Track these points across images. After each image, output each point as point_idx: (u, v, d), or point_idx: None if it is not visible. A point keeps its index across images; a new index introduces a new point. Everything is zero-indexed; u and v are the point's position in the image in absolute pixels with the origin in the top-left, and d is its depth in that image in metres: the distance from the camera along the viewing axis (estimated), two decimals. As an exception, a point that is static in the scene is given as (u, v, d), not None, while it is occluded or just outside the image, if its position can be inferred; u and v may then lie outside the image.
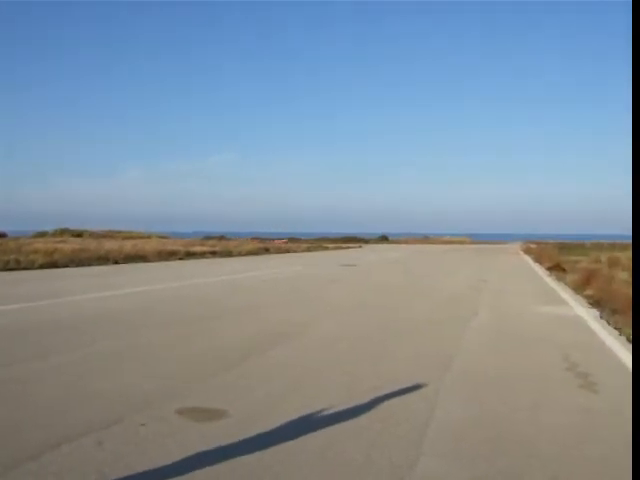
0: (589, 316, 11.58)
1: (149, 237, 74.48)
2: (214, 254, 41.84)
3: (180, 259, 36.08)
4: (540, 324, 10.56)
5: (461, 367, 7.03)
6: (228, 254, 43.17)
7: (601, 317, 11.43)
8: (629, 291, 13.99)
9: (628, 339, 8.89)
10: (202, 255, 39.88)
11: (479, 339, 8.97)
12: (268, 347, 8.06)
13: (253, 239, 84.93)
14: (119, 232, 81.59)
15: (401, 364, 7.10)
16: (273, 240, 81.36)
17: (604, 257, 33.38)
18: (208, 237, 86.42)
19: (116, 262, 29.72)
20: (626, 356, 7.68)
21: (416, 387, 6.05)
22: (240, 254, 44.53)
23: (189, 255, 38.67)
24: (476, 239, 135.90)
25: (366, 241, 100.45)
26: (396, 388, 5.93)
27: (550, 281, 20.67)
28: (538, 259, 36.47)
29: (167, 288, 16.28)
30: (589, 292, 15.13)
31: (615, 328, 10.03)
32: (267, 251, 51.67)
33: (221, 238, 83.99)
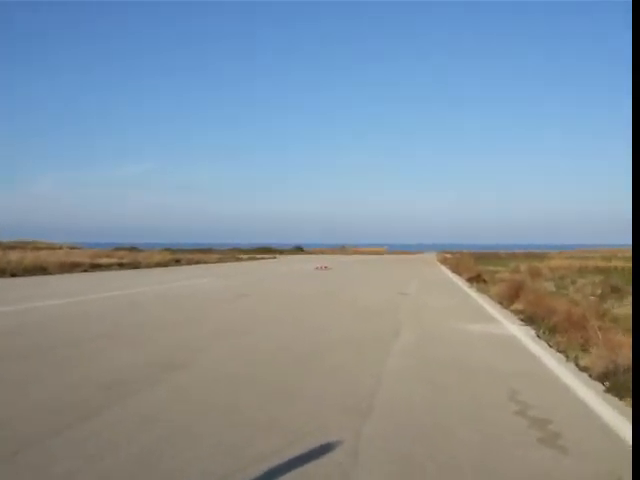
0: (525, 336, 10.23)
1: (60, 248, 71.89)
2: (121, 266, 39.61)
3: (84, 271, 33.74)
4: (472, 347, 9.12)
5: (383, 411, 5.41)
6: (136, 266, 40.91)
7: (538, 336, 10.10)
8: (563, 305, 12.86)
9: (578, 366, 7.54)
10: (108, 267, 37.59)
11: (403, 368, 7.38)
12: (131, 391, 6.24)
13: (165, 250, 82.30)
14: (29, 242, 78.08)
15: (310, 407, 5.44)
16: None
17: (523, 267, 32.86)
18: (119, 248, 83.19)
19: (13, 275, 27.22)
20: (585, 392, 6.25)
21: (328, 447, 4.42)
22: (149, 266, 42.31)
23: (94, 267, 36.28)
24: (392, 249, 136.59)
25: (281, 252, 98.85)
26: (299, 452, 4.28)
27: (473, 293, 19.46)
28: (456, 269, 35.67)
29: (45, 306, 14.16)
30: (518, 306, 13.91)
31: (559, 351, 8.67)
32: (178, 262, 49.57)
33: (132, 249, 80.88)
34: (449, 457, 4.29)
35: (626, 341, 8.24)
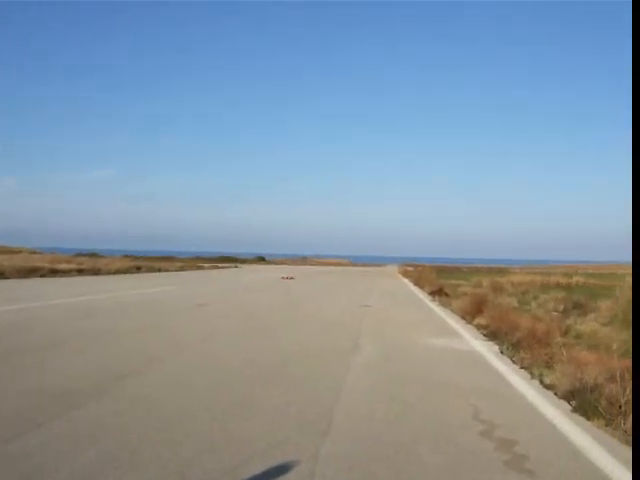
0: (488, 351, 10.02)
1: (19, 252, 70.57)
2: (81, 272, 39.02)
3: (42, 276, 33.29)
4: (434, 362, 8.87)
5: (343, 429, 5.11)
6: (96, 272, 40.27)
7: (502, 352, 9.89)
8: (526, 321, 12.71)
9: (543, 384, 7.33)
10: (67, 273, 36.93)
11: (363, 383, 7.10)
12: (76, 404, 5.86)
13: (127, 257, 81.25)
14: None
15: (266, 424, 5.12)
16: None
17: (485, 282, 32.86)
18: (79, 254, 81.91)
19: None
20: (550, 411, 6.02)
21: (283, 468, 4.11)
22: (109, 272, 41.67)
23: (53, 272, 35.77)
24: (354, 261, 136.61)
25: (243, 261, 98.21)
26: (252, 472, 3.96)
27: (435, 307, 19.28)
28: (418, 282, 35.58)
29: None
30: (481, 321, 13.72)
31: (522, 368, 8.46)
32: (139, 269, 48.89)
33: (93, 255, 79.79)
34: (411, 482, 4.01)
35: (591, 358, 8.10)
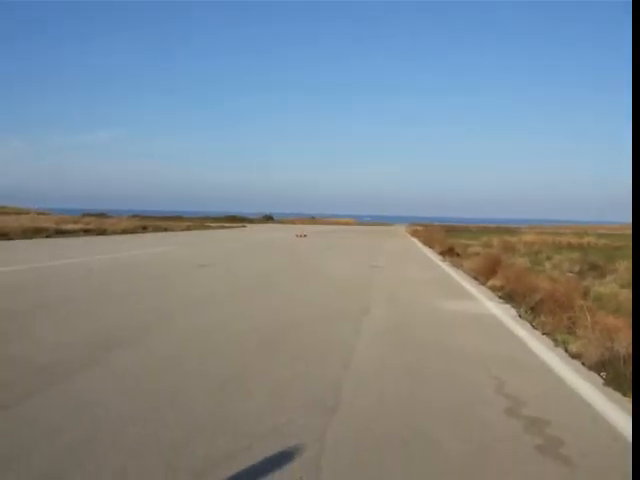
0: (505, 315, 9.45)
1: (27, 213, 70.37)
2: (87, 232, 38.64)
3: (47, 237, 32.73)
4: (449, 327, 8.30)
5: (352, 410, 4.55)
6: (102, 232, 39.84)
7: (520, 316, 9.33)
8: (543, 282, 12.12)
9: (568, 352, 6.76)
10: (73, 233, 36.54)
11: (374, 352, 6.54)
12: (62, 375, 5.32)
13: (134, 217, 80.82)
14: None
15: (266, 403, 4.57)
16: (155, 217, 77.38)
17: (495, 241, 32.26)
18: (87, 214, 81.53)
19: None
20: (581, 385, 5.45)
21: (285, 456, 3.58)
22: (115, 232, 41.25)
23: (59, 233, 35.35)
24: (362, 221, 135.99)
25: (250, 221, 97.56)
26: (251, 459, 3.42)
27: (446, 268, 18.65)
28: (428, 242, 34.93)
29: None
30: (495, 282, 13.12)
31: (544, 333, 7.89)
32: (145, 229, 48.44)
33: (101, 215, 79.40)
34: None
35: (618, 323, 7.49)
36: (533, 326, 8.47)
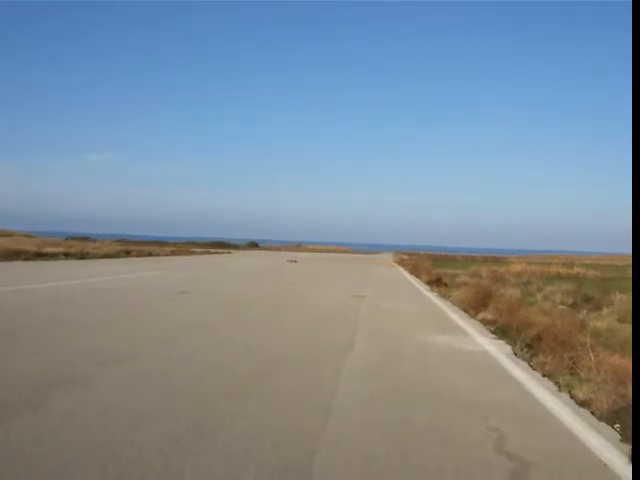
0: (500, 353, 8.73)
1: (11, 235, 69.45)
2: (67, 255, 37.82)
3: (26, 259, 31.93)
4: (440, 366, 7.57)
5: (330, 473, 3.82)
6: (82, 256, 38.93)
7: (516, 354, 8.62)
8: (538, 316, 11.44)
9: (574, 399, 6.04)
10: (53, 256, 35.72)
11: (357, 397, 5.79)
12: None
13: (119, 241, 79.95)
14: None
15: (228, 458, 3.80)
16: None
17: (483, 271, 31.68)
18: (71, 237, 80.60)
19: None
20: (596, 442, 4.70)
21: None
22: (96, 256, 40.38)
23: (38, 256, 34.57)
24: (348, 248, 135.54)
25: (235, 247, 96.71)
26: None
27: (434, 299, 17.96)
28: (414, 271, 34.31)
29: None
30: (486, 315, 12.42)
31: (544, 375, 7.18)
32: (128, 254, 47.62)
33: (85, 239, 78.53)
34: None
35: (626, 364, 6.79)
36: (531, 366, 7.76)
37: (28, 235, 74.55)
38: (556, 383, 6.73)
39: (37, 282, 17.40)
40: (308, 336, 9.51)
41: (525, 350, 8.70)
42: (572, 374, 7.01)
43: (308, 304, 14.51)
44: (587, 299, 16.98)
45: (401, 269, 41.73)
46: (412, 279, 28.91)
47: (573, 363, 7.40)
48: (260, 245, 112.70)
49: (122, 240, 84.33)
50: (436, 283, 23.33)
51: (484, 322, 11.91)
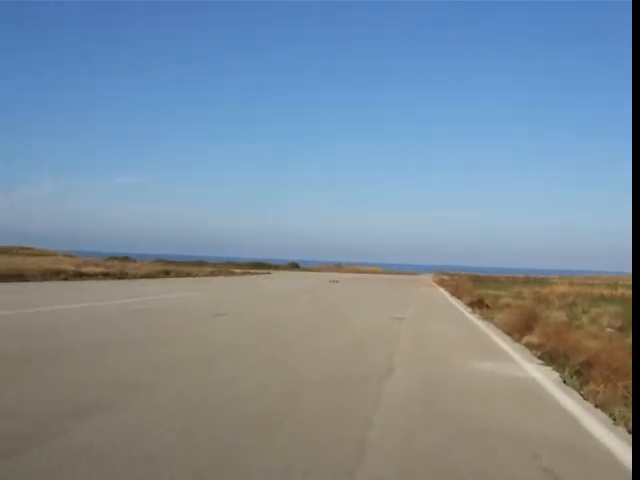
0: (548, 380, 8.24)
1: (54, 255, 70.61)
2: (106, 275, 37.93)
3: (65, 279, 32.17)
4: (484, 395, 7.12)
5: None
6: (122, 276, 39.06)
7: (565, 382, 8.12)
8: (586, 341, 10.91)
9: (632, 433, 5.55)
10: (93, 276, 35.96)
11: (395, 432, 5.39)
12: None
13: (158, 261, 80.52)
14: (25, 248, 77.42)
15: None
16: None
17: (526, 292, 30.94)
18: (112, 257, 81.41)
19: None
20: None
21: None
22: (135, 276, 40.54)
23: (78, 275, 34.76)
24: (387, 269, 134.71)
25: (275, 267, 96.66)
26: None
27: (476, 321, 17.44)
28: (455, 292, 33.71)
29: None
30: (532, 339, 11.89)
31: (597, 406, 6.70)
32: (167, 274, 47.68)
33: (124, 259, 79.32)
34: None
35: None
36: (582, 395, 7.26)
37: (70, 255, 75.70)
38: (610, 415, 6.24)
39: (72, 302, 17.31)
40: (350, 358, 9.14)
41: (574, 377, 8.20)
42: (627, 405, 6.51)
43: (349, 325, 14.13)
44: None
45: (442, 290, 41.12)
46: (453, 300, 28.36)
47: (629, 392, 6.91)
48: (300, 266, 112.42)
49: (162, 260, 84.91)
50: (478, 305, 22.76)
51: (529, 346, 11.38)
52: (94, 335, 10.74)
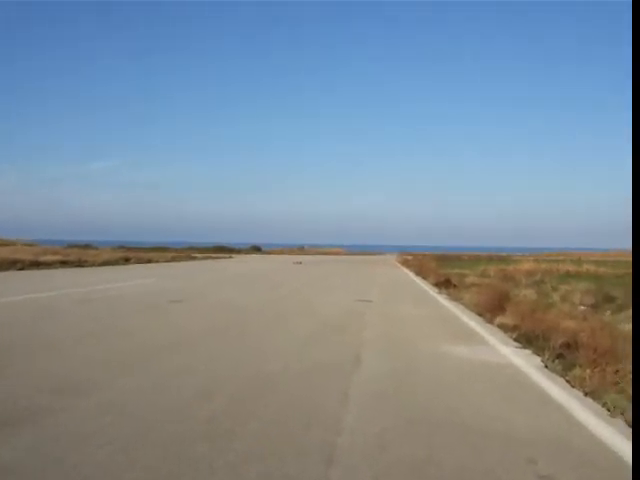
0: (528, 366, 7.60)
1: (13, 244, 68.55)
2: (64, 264, 36.93)
3: (21, 269, 31.18)
4: (462, 385, 6.47)
5: None
6: (80, 264, 38.00)
7: (547, 367, 7.51)
8: (562, 320, 10.35)
9: (629, 423, 4.93)
10: (50, 265, 34.93)
11: (366, 433, 4.69)
12: None
13: (119, 248, 78.89)
14: None
15: None
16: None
17: (492, 271, 30.57)
18: (72, 245, 79.52)
19: None
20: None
21: None
22: (94, 264, 39.41)
23: (34, 265, 33.76)
24: (350, 250, 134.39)
25: (238, 251, 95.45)
26: None
27: (445, 302, 16.81)
28: (420, 272, 33.12)
29: None
30: (505, 320, 11.29)
31: (586, 394, 6.07)
32: (127, 261, 46.55)
33: (86, 247, 77.47)
34: None
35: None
36: (568, 382, 6.65)
37: (30, 244, 73.57)
38: (604, 405, 5.61)
39: (21, 293, 16.30)
40: (314, 347, 8.42)
41: (557, 362, 7.60)
42: (619, 392, 5.91)
43: (309, 311, 13.42)
44: (608, 299, 15.84)
45: (406, 270, 40.61)
46: (419, 280, 27.78)
47: (619, 377, 6.32)
48: (263, 249, 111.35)
49: (123, 247, 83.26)
50: (445, 284, 22.22)
51: (503, 328, 10.78)
52: (30, 331, 9.85)
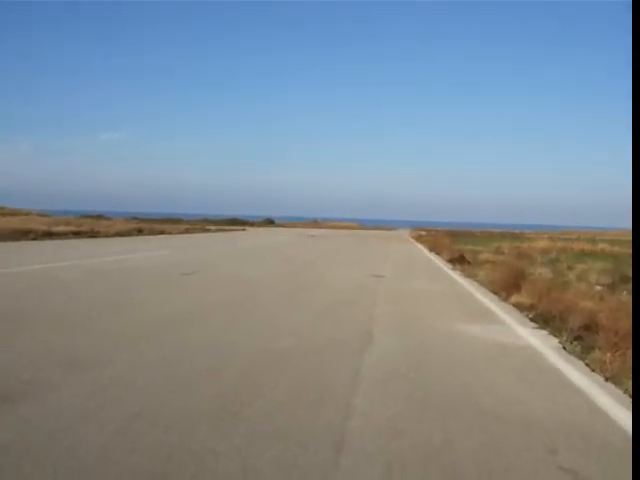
0: (546, 347, 7.39)
1: (26, 214, 68.76)
2: (77, 234, 36.87)
3: (34, 239, 30.89)
4: (477, 366, 6.27)
5: None
6: (93, 235, 37.96)
7: (565, 349, 7.29)
8: (581, 301, 10.12)
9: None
10: (63, 235, 34.83)
11: (378, 417, 4.51)
12: None
13: (132, 219, 78.88)
14: None
15: None
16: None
17: (506, 248, 30.26)
18: (85, 216, 79.64)
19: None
20: None
21: None
22: (107, 235, 39.37)
23: (47, 235, 33.61)
24: (364, 224, 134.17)
25: (251, 224, 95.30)
26: None
27: (458, 278, 16.58)
28: (434, 248, 32.84)
29: None
30: (521, 299, 11.06)
31: (607, 379, 5.86)
32: (140, 232, 46.53)
33: (99, 217, 77.55)
34: None
35: None
36: (588, 365, 6.44)
37: (43, 214, 73.74)
38: (625, 391, 5.39)
39: (34, 263, 16.22)
40: (324, 323, 8.24)
41: (575, 343, 7.39)
42: (641, 377, 5.68)
43: (324, 287, 13.25)
44: (624, 279, 15.55)
45: (420, 245, 40.33)
46: (433, 257, 27.51)
47: None
48: (276, 222, 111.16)
49: (136, 218, 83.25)
50: (459, 261, 21.98)
51: (519, 307, 10.56)
52: (41, 302, 9.74)
